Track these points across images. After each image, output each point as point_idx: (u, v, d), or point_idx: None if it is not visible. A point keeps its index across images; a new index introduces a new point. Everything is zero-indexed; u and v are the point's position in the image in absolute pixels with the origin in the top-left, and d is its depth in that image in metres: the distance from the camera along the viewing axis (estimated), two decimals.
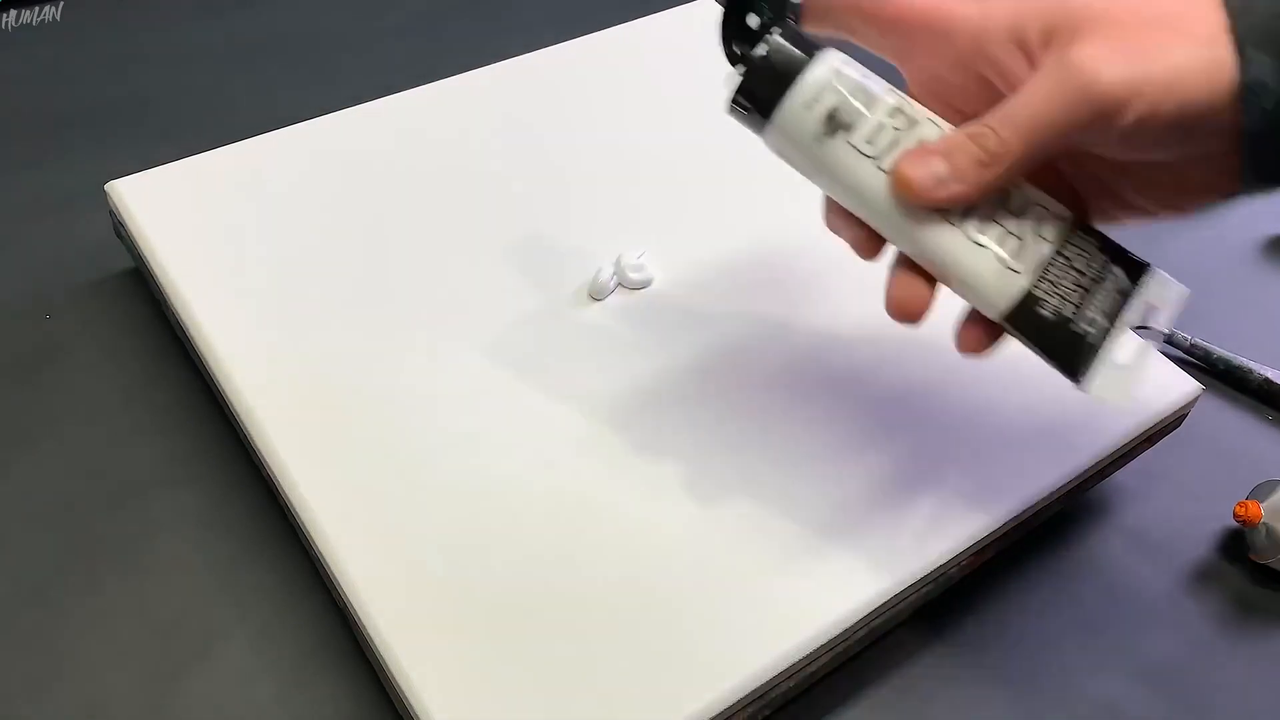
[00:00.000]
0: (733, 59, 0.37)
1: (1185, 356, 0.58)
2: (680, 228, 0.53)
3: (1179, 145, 0.34)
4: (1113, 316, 0.36)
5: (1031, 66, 0.34)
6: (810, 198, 0.38)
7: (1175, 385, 0.49)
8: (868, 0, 0.37)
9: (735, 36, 0.37)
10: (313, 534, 0.41)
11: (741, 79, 0.36)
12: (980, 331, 0.37)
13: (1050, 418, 0.46)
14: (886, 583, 0.41)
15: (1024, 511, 0.44)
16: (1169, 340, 0.58)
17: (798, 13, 0.37)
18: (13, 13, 0.71)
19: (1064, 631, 0.47)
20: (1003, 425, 0.46)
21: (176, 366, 0.52)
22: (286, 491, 0.42)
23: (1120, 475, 0.51)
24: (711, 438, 0.45)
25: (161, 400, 0.50)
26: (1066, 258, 0.36)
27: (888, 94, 0.36)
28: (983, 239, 0.35)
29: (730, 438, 0.45)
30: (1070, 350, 0.36)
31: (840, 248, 0.38)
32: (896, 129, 0.35)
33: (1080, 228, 0.37)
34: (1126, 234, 0.37)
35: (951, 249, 0.35)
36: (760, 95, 0.36)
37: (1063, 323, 0.35)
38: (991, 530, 0.43)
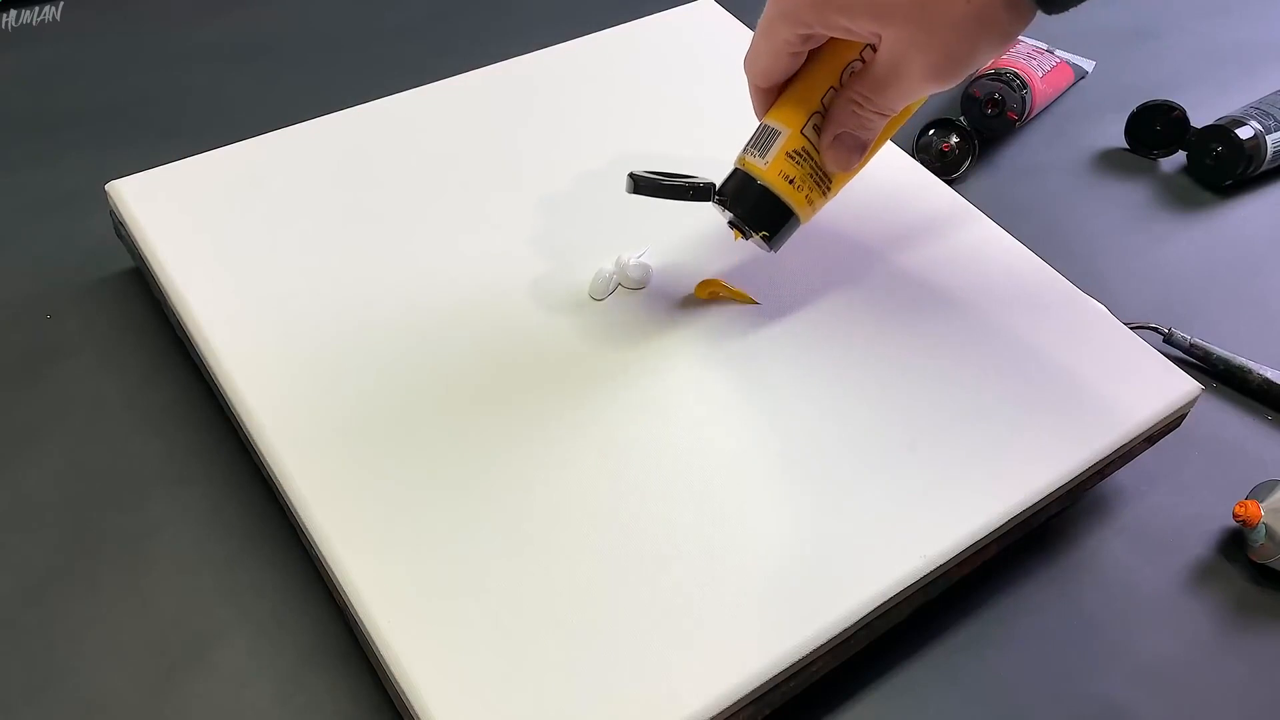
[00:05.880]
0: None
1: (1185, 356, 0.58)
2: (680, 228, 0.52)
3: None
4: None
5: None
6: None
7: (1175, 385, 0.49)
8: None
9: None
10: (313, 534, 0.41)
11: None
12: None
13: (1050, 417, 0.46)
14: (886, 583, 0.41)
15: (1024, 511, 0.44)
16: (1169, 340, 0.58)
17: None
18: (13, 13, 0.71)
19: (1064, 631, 0.47)
20: (1003, 425, 0.46)
21: (176, 366, 0.52)
22: (286, 491, 0.42)
23: (1120, 475, 0.51)
24: (711, 437, 0.45)
25: (161, 400, 0.50)
26: None
27: None
28: None
29: (729, 437, 0.45)
30: None
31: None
32: None
33: None
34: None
35: None
36: None
37: None
38: (991, 530, 0.43)
